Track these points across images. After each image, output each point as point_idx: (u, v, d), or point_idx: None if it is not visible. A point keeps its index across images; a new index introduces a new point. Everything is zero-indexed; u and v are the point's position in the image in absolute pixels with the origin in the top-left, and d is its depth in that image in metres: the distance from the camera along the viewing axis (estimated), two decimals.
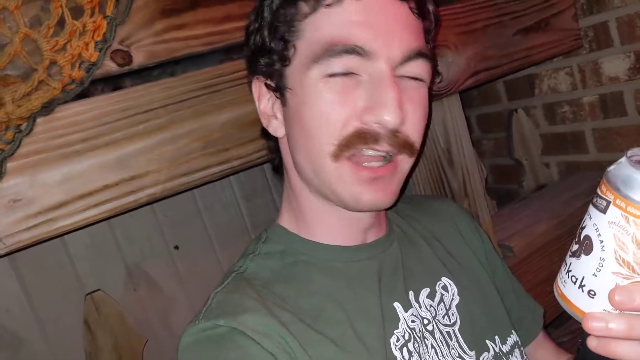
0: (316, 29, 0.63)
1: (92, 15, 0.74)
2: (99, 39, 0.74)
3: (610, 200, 0.44)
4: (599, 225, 0.44)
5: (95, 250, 0.96)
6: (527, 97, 1.49)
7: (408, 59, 0.63)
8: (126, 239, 0.99)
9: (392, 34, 0.62)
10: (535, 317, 0.88)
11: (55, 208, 0.70)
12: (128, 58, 0.76)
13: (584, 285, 0.46)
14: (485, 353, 0.73)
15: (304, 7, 0.63)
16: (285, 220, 0.74)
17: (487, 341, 0.74)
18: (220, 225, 1.09)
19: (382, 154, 0.63)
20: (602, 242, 0.44)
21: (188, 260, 1.05)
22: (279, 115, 0.70)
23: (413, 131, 0.65)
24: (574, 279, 0.47)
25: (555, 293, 0.49)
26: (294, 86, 0.65)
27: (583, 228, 0.47)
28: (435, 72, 0.75)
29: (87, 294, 0.90)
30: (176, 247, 1.04)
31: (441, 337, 0.70)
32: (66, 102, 0.72)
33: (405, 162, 0.66)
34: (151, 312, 1.00)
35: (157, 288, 1.01)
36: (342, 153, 0.62)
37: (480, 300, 0.77)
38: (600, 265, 0.45)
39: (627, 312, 0.44)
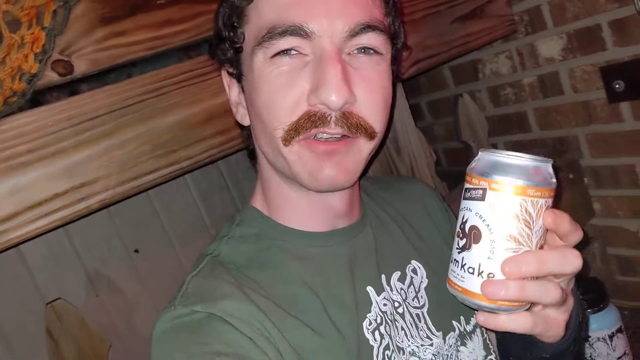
0: (259, 13, 0.63)
1: (29, 27, 0.74)
2: (38, 50, 0.75)
3: (486, 186, 0.48)
4: (482, 212, 0.48)
5: (53, 259, 0.97)
6: (473, 82, 1.55)
7: (354, 33, 0.61)
8: (84, 245, 1.00)
9: (333, 10, 0.60)
10: None
11: (5, 220, 0.71)
12: (69, 67, 0.77)
13: (482, 272, 0.49)
14: (452, 332, 0.75)
15: None
16: (259, 203, 0.73)
17: (453, 321, 0.76)
18: (179, 225, 1.11)
19: (336, 136, 0.61)
20: (488, 225, 0.48)
21: (149, 262, 1.06)
22: (243, 102, 0.71)
23: (369, 112, 0.62)
24: (471, 270, 0.49)
25: (454, 291, 0.52)
26: (246, 72, 0.66)
27: (465, 222, 0.50)
28: (404, 46, 0.73)
29: (48, 303, 0.91)
30: (136, 251, 1.05)
31: (411, 319, 0.72)
32: (10, 114, 0.73)
33: (363, 143, 0.64)
34: (115, 316, 1.01)
35: (119, 292, 1.02)
36: (293, 138, 0.61)
37: None
38: (492, 247, 0.48)
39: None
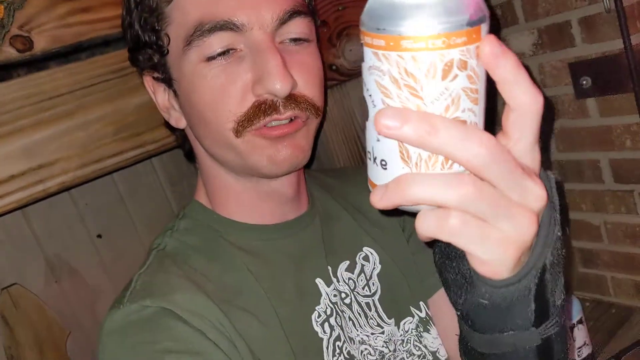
0: (182, 12, 0.62)
1: None
2: None
3: (363, 42, 0.35)
4: (364, 78, 0.35)
5: (11, 244, 0.93)
6: None
7: (283, 21, 0.62)
8: (44, 230, 0.96)
9: (260, 0, 0.61)
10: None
11: None
12: (29, 43, 0.73)
13: (376, 157, 0.36)
14: (409, 318, 0.76)
15: None
16: (203, 197, 0.73)
17: (411, 307, 0.76)
18: (145, 211, 1.07)
19: (285, 121, 0.63)
20: (370, 96, 0.35)
21: (113, 248, 1.03)
22: (176, 105, 0.69)
23: (309, 91, 0.65)
24: (369, 156, 0.37)
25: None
26: (177, 76, 0.65)
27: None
28: (322, 23, 0.74)
29: (3, 289, 0.87)
30: (99, 236, 1.02)
31: (359, 309, 0.72)
32: None
33: (311, 121, 0.67)
34: (76, 303, 0.98)
35: (80, 279, 0.99)
36: (245, 128, 0.62)
37: (404, 266, 0.78)
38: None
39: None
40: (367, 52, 0.34)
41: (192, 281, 0.62)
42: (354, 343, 0.69)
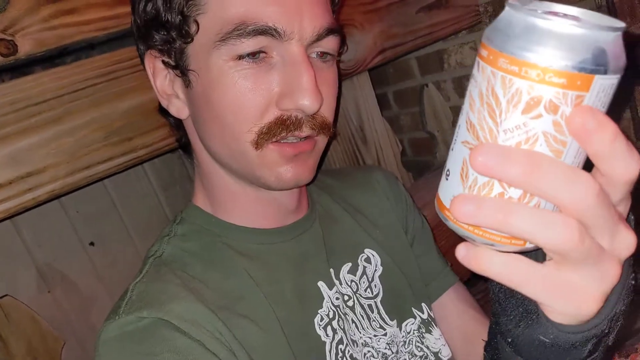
0: (221, 4, 0.58)
1: None
2: None
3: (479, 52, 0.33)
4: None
5: (1, 255, 0.91)
6: (438, 72, 1.55)
7: (321, 37, 0.60)
8: (35, 239, 0.95)
9: (302, 11, 0.58)
10: (446, 270, 0.85)
11: None
12: (13, 47, 0.71)
13: (446, 165, 0.35)
14: (411, 319, 0.75)
15: None
16: (200, 201, 0.71)
17: (413, 309, 0.76)
18: (138, 217, 1.06)
19: (302, 138, 0.62)
20: (465, 101, 0.33)
21: (106, 256, 1.02)
22: (181, 95, 0.65)
23: (328, 111, 0.65)
24: (444, 171, 0.35)
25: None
26: (198, 68, 0.61)
27: None
28: (342, 44, 0.71)
29: None
30: (91, 244, 1.00)
31: (362, 311, 0.71)
32: None
33: (321, 141, 0.66)
34: (70, 312, 0.97)
35: (74, 287, 0.98)
36: (265, 141, 0.60)
37: (406, 268, 0.78)
38: (456, 135, 0.34)
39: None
40: (476, 59, 0.32)
41: (189, 289, 0.60)
42: (357, 346, 0.68)
